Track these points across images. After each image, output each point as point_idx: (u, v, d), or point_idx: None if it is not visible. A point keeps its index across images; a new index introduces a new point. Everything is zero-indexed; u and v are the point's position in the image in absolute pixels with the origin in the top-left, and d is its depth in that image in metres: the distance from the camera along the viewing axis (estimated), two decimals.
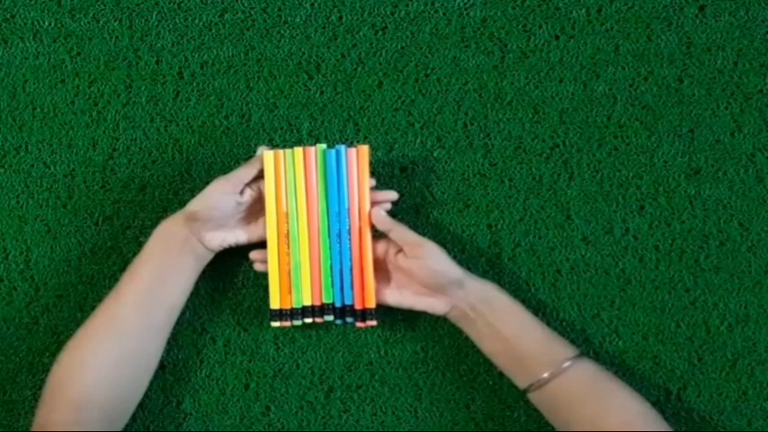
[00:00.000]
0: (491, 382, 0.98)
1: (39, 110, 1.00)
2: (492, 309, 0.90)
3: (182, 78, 1.00)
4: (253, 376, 0.98)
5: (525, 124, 0.99)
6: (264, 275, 0.94)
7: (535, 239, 0.99)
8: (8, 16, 1.00)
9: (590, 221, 0.99)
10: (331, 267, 0.93)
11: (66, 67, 1.00)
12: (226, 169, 0.96)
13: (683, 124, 0.99)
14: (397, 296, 0.93)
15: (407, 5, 1.00)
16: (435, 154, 0.99)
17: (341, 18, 1.00)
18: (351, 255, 0.93)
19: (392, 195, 0.94)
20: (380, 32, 1.00)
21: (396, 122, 1.00)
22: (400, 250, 0.92)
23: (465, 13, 1.00)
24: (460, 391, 0.98)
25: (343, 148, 0.92)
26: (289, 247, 0.93)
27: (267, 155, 0.92)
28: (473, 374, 0.98)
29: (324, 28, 1.00)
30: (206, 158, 1.00)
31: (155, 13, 1.00)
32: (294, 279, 0.93)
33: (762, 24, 0.99)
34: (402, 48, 1.00)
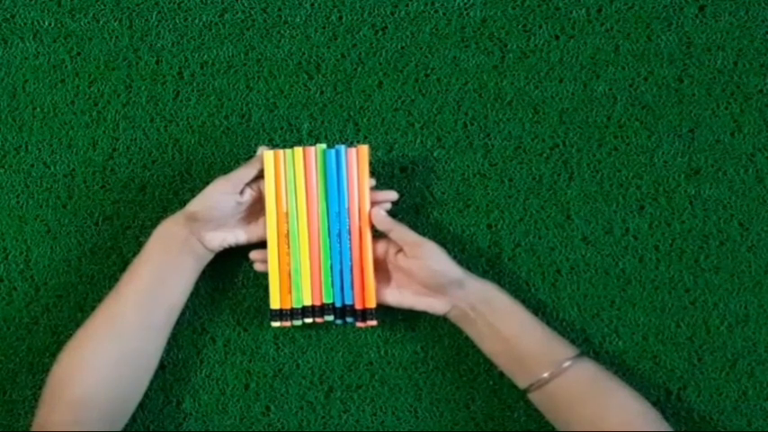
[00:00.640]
0: (491, 382, 0.98)
1: (39, 110, 1.00)
2: (492, 309, 0.90)
3: (182, 78, 1.00)
4: (253, 376, 0.98)
5: (525, 124, 0.99)
6: (264, 275, 0.94)
7: (535, 239, 0.99)
8: (8, 16, 1.00)
9: (590, 221, 0.99)
10: (331, 267, 0.93)
11: (66, 67, 1.00)
12: (226, 169, 0.96)
13: (683, 124, 0.99)
14: (397, 296, 0.93)
15: (407, 5, 1.00)
16: (435, 154, 0.99)
17: (341, 18, 1.00)
18: (351, 255, 0.93)
19: (392, 195, 0.94)
20: (380, 32, 1.00)
21: (396, 122, 1.00)
22: (400, 250, 0.92)
23: (465, 13, 1.00)
24: (460, 391, 0.98)
25: (343, 147, 0.92)
26: (289, 247, 0.93)
27: (267, 155, 0.92)
28: (473, 374, 0.98)
29: (324, 28, 1.00)
30: (206, 158, 1.00)
31: (155, 13, 1.00)
32: (294, 279, 0.93)
33: (762, 24, 0.99)
34: (402, 48, 1.00)
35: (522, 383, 0.90)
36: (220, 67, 1.00)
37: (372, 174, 0.94)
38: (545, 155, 0.99)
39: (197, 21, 1.00)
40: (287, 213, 0.93)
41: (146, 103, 1.00)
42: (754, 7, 0.99)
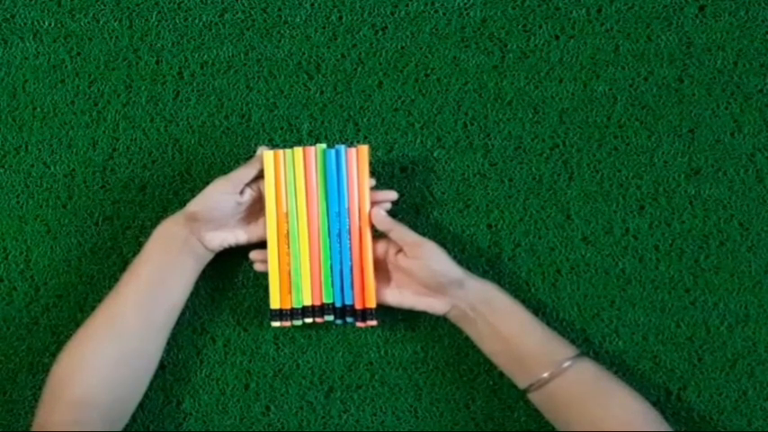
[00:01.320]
0: (491, 382, 0.98)
1: (39, 110, 1.00)
2: (492, 309, 0.90)
3: (182, 78, 1.00)
4: (253, 376, 0.98)
5: (525, 124, 0.99)
6: (264, 275, 0.94)
7: (535, 239, 0.99)
8: (8, 16, 1.00)
9: (590, 221, 0.99)
10: (331, 267, 0.93)
11: (66, 67, 1.00)
12: (226, 169, 0.96)
13: (683, 124, 0.99)
14: (397, 296, 0.93)
15: (407, 5, 1.00)
16: (435, 154, 0.99)
17: (341, 18, 1.00)
18: (351, 255, 0.93)
19: (392, 195, 0.94)
20: (380, 32, 1.00)
21: (396, 122, 1.00)
22: (400, 250, 0.92)
23: (465, 13, 1.00)
24: (460, 391, 0.98)
25: (343, 147, 0.92)
26: (289, 247, 0.93)
27: (267, 155, 0.92)
28: (473, 374, 0.98)
29: (324, 28, 1.00)
30: (206, 158, 1.00)
31: (155, 13, 1.00)
32: (294, 279, 0.93)
33: (762, 24, 0.99)
34: (402, 48, 1.00)
35: (521, 383, 0.90)
36: (220, 67, 1.00)
37: (372, 174, 0.94)
38: (545, 155, 0.99)
39: (197, 21, 1.00)
40: (287, 213, 0.93)
41: (146, 103, 1.00)
42: (754, 7, 0.99)
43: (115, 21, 1.00)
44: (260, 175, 0.92)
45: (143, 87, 1.00)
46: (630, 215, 0.98)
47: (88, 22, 1.00)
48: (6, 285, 0.99)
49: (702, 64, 0.99)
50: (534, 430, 0.97)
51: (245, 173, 0.91)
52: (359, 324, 0.93)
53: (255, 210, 0.94)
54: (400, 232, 0.91)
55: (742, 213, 0.98)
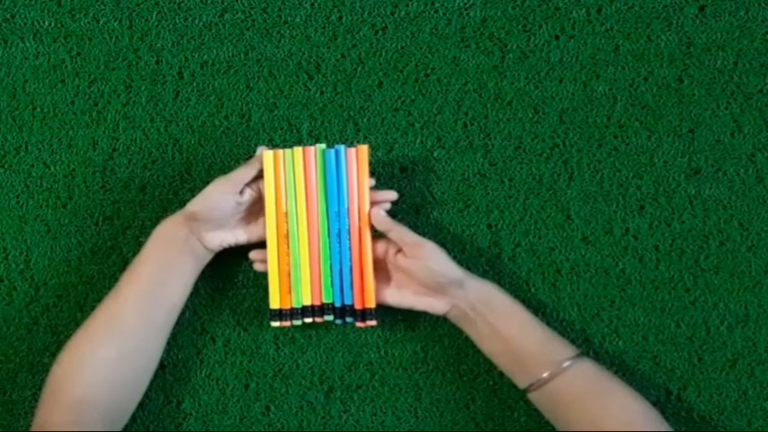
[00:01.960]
0: (491, 382, 0.98)
1: (39, 110, 1.00)
2: (492, 309, 0.90)
3: (182, 78, 1.00)
4: (253, 376, 0.98)
5: (525, 124, 0.99)
6: (264, 275, 0.94)
7: (535, 239, 0.99)
8: (8, 16, 1.00)
9: (590, 221, 0.99)
10: (331, 267, 0.93)
11: (66, 67, 1.00)
12: (226, 169, 0.96)
13: (683, 124, 0.99)
14: (397, 296, 0.93)
15: (407, 5, 1.00)
16: (435, 154, 0.99)
17: (341, 18, 1.00)
18: (351, 255, 0.93)
19: (392, 195, 0.94)
20: (380, 32, 1.00)
21: (396, 122, 1.00)
22: (400, 250, 0.92)
23: (465, 13, 1.00)
24: (460, 391, 0.98)
25: (342, 147, 0.92)
26: (288, 247, 0.93)
27: (267, 155, 0.92)
28: (473, 374, 0.98)
29: (324, 28, 1.00)
30: (206, 158, 1.00)
31: (155, 13, 1.00)
32: (294, 279, 0.93)
33: (762, 24, 0.99)
34: (402, 48, 1.00)
35: (521, 383, 0.90)
36: (220, 67, 1.00)
37: (372, 174, 0.94)
38: (545, 155, 0.99)
39: (197, 21, 1.00)
40: (286, 213, 0.93)
41: (146, 103, 1.00)
42: (754, 7, 0.99)
43: (115, 21, 1.00)
44: (260, 175, 0.92)
45: (143, 87, 1.00)
46: (630, 215, 0.98)
47: (88, 22, 1.00)
48: (6, 285, 0.99)
49: (702, 64, 0.99)
50: (534, 430, 0.97)
51: (244, 173, 0.91)
52: (358, 324, 0.93)
53: (255, 210, 0.94)
54: (399, 232, 0.91)
55: (742, 213, 0.98)
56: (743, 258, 0.98)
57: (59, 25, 1.00)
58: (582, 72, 0.99)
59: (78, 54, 1.00)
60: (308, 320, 0.93)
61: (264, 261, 0.93)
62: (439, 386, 0.98)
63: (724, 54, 0.99)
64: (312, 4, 1.00)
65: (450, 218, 0.99)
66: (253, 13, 1.00)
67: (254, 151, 0.98)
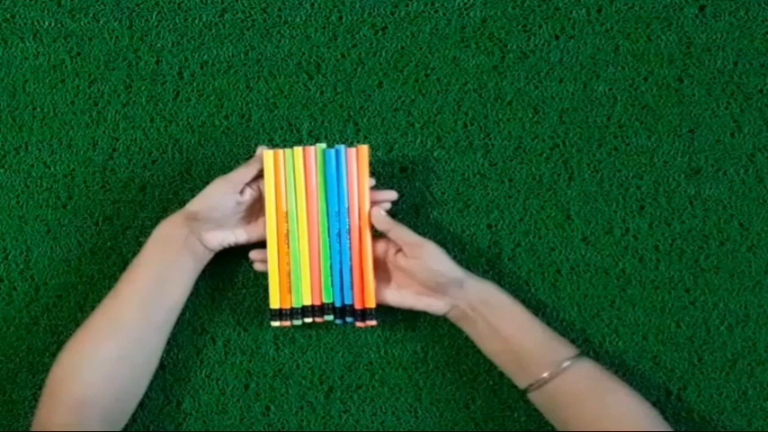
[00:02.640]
0: (491, 382, 0.98)
1: (39, 110, 1.00)
2: (492, 309, 0.90)
3: (182, 78, 1.00)
4: (253, 376, 0.98)
5: (525, 124, 0.99)
6: (264, 275, 0.94)
7: (535, 239, 0.99)
8: (8, 16, 1.00)
9: (590, 221, 0.99)
10: (331, 267, 0.93)
11: (66, 67, 1.00)
12: (226, 169, 0.96)
13: (683, 124, 0.99)
14: (397, 296, 0.93)
15: (407, 5, 1.00)
16: (435, 154, 0.99)
17: (341, 18, 1.00)
18: (351, 254, 0.93)
19: (392, 195, 0.94)
20: (380, 32, 1.00)
21: (396, 122, 1.00)
22: (400, 250, 0.92)
23: (465, 13, 1.00)
24: (460, 391, 0.98)
25: (342, 147, 0.92)
26: (288, 247, 0.93)
27: (267, 154, 0.92)
28: (473, 374, 0.98)
29: (324, 28, 1.00)
30: (206, 158, 1.00)
31: (155, 13, 1.00)
32: (294, 279, 0.93)
33: (762, 24, 0.99)
34: (402, 48, 1.00)
35: (521, 383, 0.90)
36: (220, 67, 1.00)
37: (372, 174, 0.94)
38: (545, 155, 0.99)
39: (197, 21, 1.00)
40: (287, 213, 0.93)
41: (146, 103, 1.00)
42: (754, 7, 0.99)
43: (115, 21, 1.00)
44: (260, 175, 0.92)
45: (143, 87, 1.00)
46: (630, 215, 0.98)
47: (88, 22, 1.00)
48: (6, 285, 0.99)
49: (702, 64, 0.99)
50: (534, 430, 0.97)
51: (245, 173, 0.91)
52: (358, 324, 0.93)
53: (255, 209, 0.94)
54: (400, 232, 0.91)
55: (742, 213, 0.98)
56: (743, 258, 0.98)
57: (59, 25, 1.00)
58: (582, 72, 0.99)
59: (78, 54, 1.00)
60: (309, 320, 0.93)
61: (264, 261, 0.93)
62: (439, 386, 0.98)
63: (724, 54, 0.99)
64: (312, 4, 1.00)
65: (450, 218, 0.99)
66: (253, 13, 1.00)
67: (254, 151, 0.98)
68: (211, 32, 1.00)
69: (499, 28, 1.00)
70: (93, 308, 0.91)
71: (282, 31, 1.00)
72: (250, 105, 1.00)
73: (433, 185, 0.99)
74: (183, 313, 0.95)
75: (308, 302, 0.93)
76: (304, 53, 1.00)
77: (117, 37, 1.00)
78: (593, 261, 0.98)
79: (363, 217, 0.92)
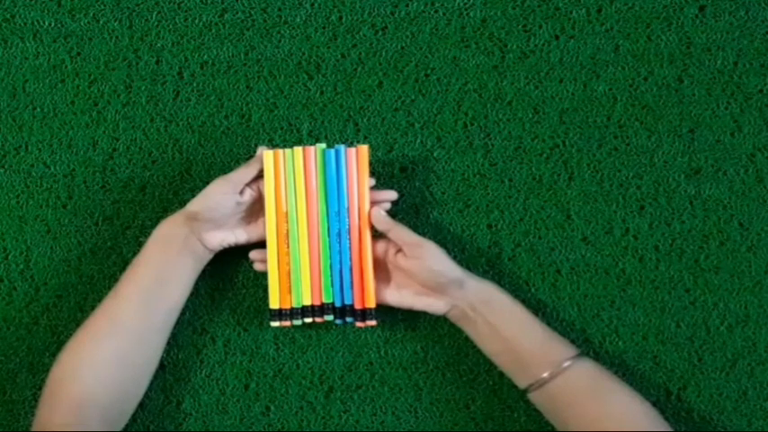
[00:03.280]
0: (491, 382, 0.97)
1: (39, 110, 1.00)
2: (492, 309, 0.90)
3: (182, 78, 1.00)
4: (253, 376, 0.98)
5: (525, 124, 0.99)
6: (264, 275, 0.94)
7: (535, 239, 0.99)
8: (8, 16, 1.00)
9: (590, 221, 0.99)
10: (331, 267, 0.93)
11: (66, 67, 1.00)
12: (226, 169, 0.96)
13: (683, 124, 0.99)
14: (397, 296, 0.93)
15: (407, 5, 1.00)
16: (435, 154, 0.99)
17: (341, 18, 1.00)
18: (351, 254, 0.93)
19: (392, 195, 0.94)
20: (380, 32, 1.00)
21: (396, 122, 1.00)
22: (400, 250, 0.92)
23: (465, 13, 1.00)
24: (460, 391, 0.98)
25: (342, 147, 0.92)
26: (288, 247, 0.93)
27: (267, 154, 0.92)
28: (473, 374, 0.98)
29: (324, 28, 1.00)
30: (206, 158, 1.00)
31: (155, 13, 1.00)
32: (294, 279, 0.93)
33: (762, 24, 0.99)
34: (402, 48, 1.00)
35: (521, 383, 0.90)
36: (220, 67, 1.00)
37: (372, 174, 0.94)
38: (545, 155, 0.99)
39: (197, 21, 1.00)
40: (286, 213, 0.93)
41: (146, 103, 1.00)
42: (754, 7, 0.99)
43: (115, 21, 1.00)
44: (260, 175, 0.92)
45: (143, 87, 1.00)
46: (630, 215, 0.98)
47: (88, 22, 1.00)
48: (6, 285, 0.99)
49: (702, 64, 0.99)
50: (534, 430, 0.97)
51: (245, 173, 0.91)
52: (358, 324, 0.93)
53: (255, 209, 0.94)
54: (399, 232, 0.91)
55: (742, 213, 0.98)
56: (743, 258, 0.98)
57: (59, 25, 1.00)
58: (582, 72, 0.99)
59: (78, 54, 1.00)
60: (308, 320, 0.93)
61: (264, 261, 0.93)
62: (439, 386, 0.98)
63: (724, 54, 0.99)
64: (312, 4, 1.00)
65: (450, 218, 0.99)
66: (253, 13, 1.00)
67: (254, 151, 0.98)
68: (211, 32, 1.00)
69: (499, 28, 1.00)
70: (93, 308, 0.91)
71: (282, 31, 1.00)
72: (250, 105, 1.00)
73: (433, 185, 0.99)
74: (183, 313, 0.95)
75: (307, 302, 0.93)
76: (304, 53, 1.00)
77: (117, 37, 1.00)
78: (593, 261, 0.98)
79: (363, 217, 0.92)
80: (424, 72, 1.00)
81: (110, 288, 0.91)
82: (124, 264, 0.93)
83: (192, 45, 1.00)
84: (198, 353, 0.99)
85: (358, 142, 0.99)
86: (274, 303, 0.93)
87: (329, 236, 0.93)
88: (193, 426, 0.98)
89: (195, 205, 0.90)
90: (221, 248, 0.93)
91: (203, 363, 0.99)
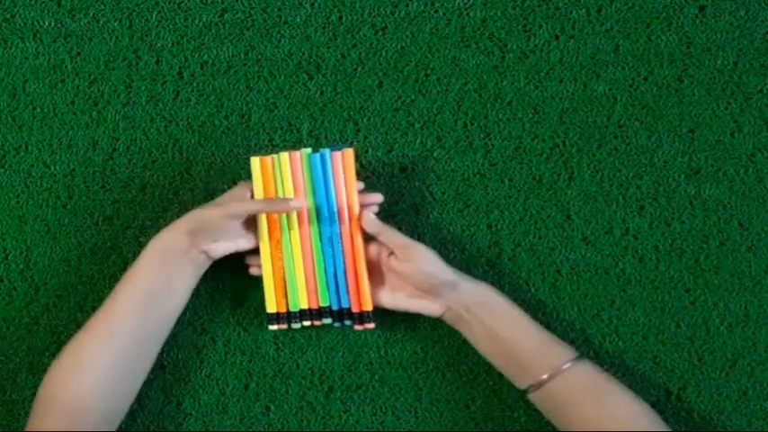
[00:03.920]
0: (491, 382, 0.97)
1: (39, 110, 1.00)
2: (487, 310, 0.90)
3: (182, 78, 1.00)
4: (253, 376, 0.98)
5: (525, 124, 0.99)
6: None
7: (535, 239, 0.99)
8: (8, 16, 1.00)
9: (590, 221, 0.99)
10: (325, 271, 0.93)
11: (66, 67, 1.00)
12: (226, 169, 0.96)
13: (683, 124, 0.99)
14: (392, 298, 0.93)
15: (407, 5, 1.00)
16: (435, 154, 0.99)
17: (341, 18, 1.00)
18: (344, 258, 0.93)
19: (378, 198, 0.94)
20: (380, 32, 1.00)
21: (396, 122, 1.00)
22: (392, 253, 0.92)
23: (465, 13, 1.00)
24: (460, 391, 0.98)
25: (327, 151, 0.92)
26: (282, 253, 0.93)
27: (254, 161, 0.92)
28: (473, 374, 0.98)
29: (324, 28, 1.00)
30: (206, 158, 1.00)
31: (155, 13, 1.00)
32: (289, 283, 0.93)
33: (762, 24, 0.99)
34: (402, 48, 1.00)
35: (521, 384, 0.90)
36: (220, 67, 1.00)
37: (359, 176, 0.94)
38: (545, 155, 0.99)
39: (197, 21, 1.00)
40: (278, 219, 0.92)
41: (146, 103, 1.00)
42: (754, 7, 0.99)
43: (115, 21, 1.00)
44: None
45: (143, 87, 1.00)
46: (630, 215, 0.98)
47: (88, 22, 1.00)
48: (6, 285, 0.99)
49: (702, 64, 0.99)
50: (534, 430, 0.97)
51: (243, 208, 0.90)
52: (357, 327, 0.93)
53: (254, 216, 0.93)
54: (390, 235, 0.91)
55: (742, 213, 0.98)
56: (743, 258, 0.98)
57: (59, 25, 1.00)
58: (582, 72, 0.99)
59: (78, 54, 1.00)
60: (307, 324, 0.93)
61: (260, 265, 0.93)
62: (439, 386, 0.98)
63: (724, 54, 0.99)
64: (312, 4, 1.00)
65: (450, 218, 0.99)
66: (253, 13, 1.00)
67: (254, 151, 0.98)
68: (211, 32, 1.00)
69: (499, 28, 1.00)
70: (93, 308, 0.90)
71: (282, 31, 1.00)
72: (250, 105, 1.00)
73: (433, 185, 0.99)
74: (183, 313, 0.94)
75: (304, 306, 0.93)
76: (304, 53, 1.00)
77: (117, 37, 1.00)
78: (593, 261, 0.98)
79: (354, 220, 0.92)
80: (424, 72, 1.00)
81: (110, 288, 0.90)
82: (124, 264, 0.93)
83: (192, 45, 1.00)
84: (198, 353, 0.99)
85: (358, 142, 0.99)
86: (271, 307, 0.93)
87: (321, 240, 0.93)
88: (193, 426, 0.98)
89: (194, 223, 0.89)
90: (224, 256, 0.93)
91: (203, 363, 0.99)
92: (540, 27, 1.00)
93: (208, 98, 1.00)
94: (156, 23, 1.00)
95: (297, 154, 0.92)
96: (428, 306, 0.92)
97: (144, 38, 1.00)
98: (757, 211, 0.98)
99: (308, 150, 0.93)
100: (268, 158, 0.92)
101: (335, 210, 0.92)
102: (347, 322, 0.93)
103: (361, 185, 0.93)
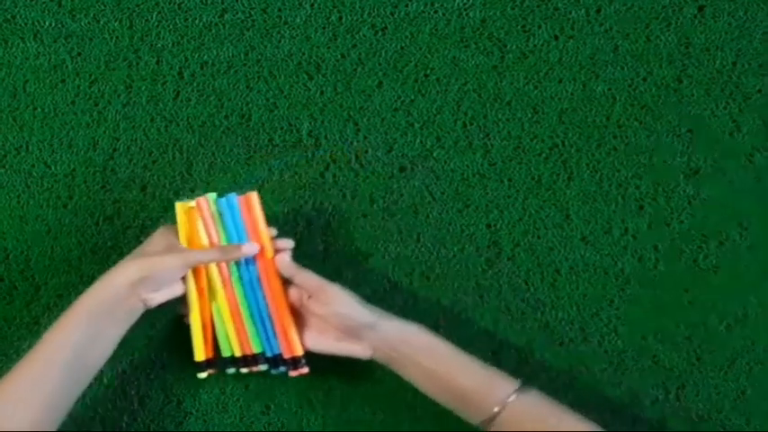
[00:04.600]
0: None
1: (39, 110, 1.00)
2: (414, 348, 0.88)
3: (182, 78, 1.00)
4: (253, 376, 0.98)
5: (524, 124, 0.99)
6: None
7: (534, 239, 0.99)
8: (9, 16, 1.00)
9: (589, 221, 0.99)
10: (252, 317, 0.92)
11: (66, 67, 1.00)
12: (226, 169, 0.96)
13: (682, 124, 0.99)
14: (319, 341, 0.91)
15: (407, 5, 1.00)
16: (435, 154, 0.99)
17: (341, 18, 1.00)
18: (267, 303, 0.91)
19: (289, 243, 0.92)
20: (380, 32, 1.00)
21: (395, 122, 1.00)
22: (311, 295, 0.90)
23: (465, 13, 1.00)
24: None
25: (233, 195, 0.91)
26: (208, 301, 0.92)
27: (177, 206, 0.91)
28: None
29: (324, 28, 1.00)
30: (206, 158, 1.00)
31: (155, 13, 1.00)
32: (219, 330, 0.92)
33: (760, 25, 0.99)
34: (402, 48, 1.00)
35: (474, 420, 0.87)
36: (220, 67, 1.00)
37: (270, 223, 0.92)
38: (544, 155, 0.99)
39: (197, 21, 1.00)
40: (203, 266, 0.91)
41: (146, 103, 1.00)
42: (753, 7, 0.99)
43: (115, 21, 1.00)
44: None
45: (143, 87, 1.00)
46: (629, 215, 0.99)
47: (88, 23, 1.00)
48: (6, 285, 0.99)
49: (701, 64, 0.99)
50: None
51: (203, 256, 0.88)
52: (291, 373, 0.92)
53: None
54: (304, 277, 0.89)
55: (741, 213, 0.98)
56: (742, 258, 0.98)
57: (60, 25, 1.00)
58: (581, 72, 0.99)
59: (79, 54, 1.00)
60: (245, 370, 0.93)
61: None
62: None
63: (723, 54, 0.99)
64: (312, 4, 1.00)
65: (449, 217, 0.99)
66: (253, 13, 1.00)
67: (255, 151, 0.98)
68: (211, 32, 1.00)
69: (498, 28, 1.00)
70: None
71: (282, 31, 1.00)
72: (250, 105, 1.00)
73: (433, 185, 0.99)
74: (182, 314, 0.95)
75: (238, 354, 0.92)
76: (304, 53, 1.00)
77: (117, 37, 1.00)
78: (592, 261, 0.98)
79: (269, 263, 0.91)
80: (424, 72, 1.00)
81: None
82: None
83: (192, 45, 1.00)
84: None
85: (358, 142, 0.99)
86: (199, 356, 0.91)
87: (242, 284, 0.92)
88: (194, 425, 0.98)
89: (146, 271, 0.85)
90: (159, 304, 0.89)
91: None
92: (540, 27, 1.00)
93: (208, 98, 1.00)
94: (156, 24, 1.00)
95: (203, 200, 0.91)
96: (354, 348, 0.89)
97: (144, 38, 1.00)
98: (756, 211, 0.98)
99: (214, 195, 0.91)
100: (187, 204, 0.91)
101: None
102: (281, 368, 0.92)
103: (274, 231, 0.92)
